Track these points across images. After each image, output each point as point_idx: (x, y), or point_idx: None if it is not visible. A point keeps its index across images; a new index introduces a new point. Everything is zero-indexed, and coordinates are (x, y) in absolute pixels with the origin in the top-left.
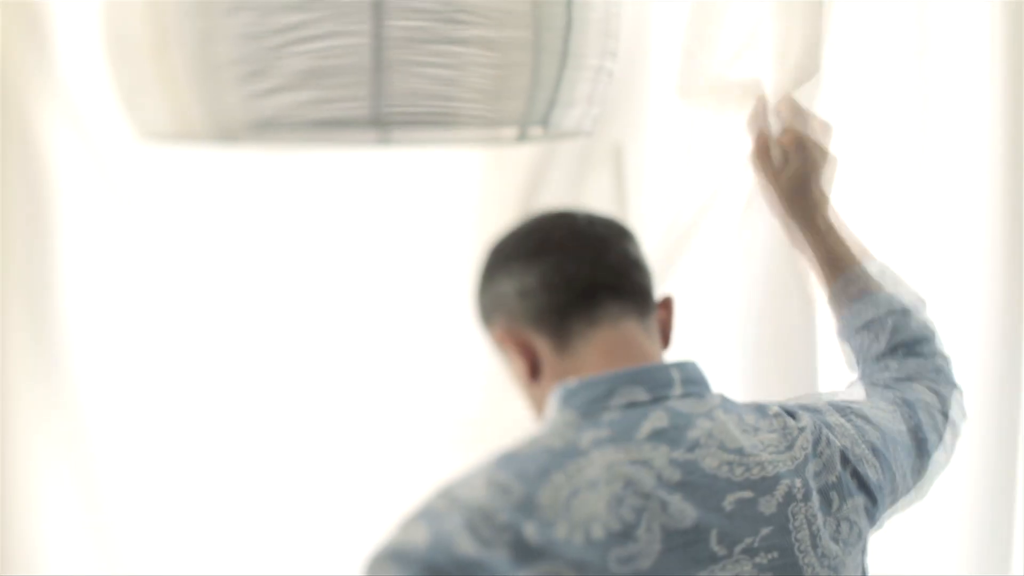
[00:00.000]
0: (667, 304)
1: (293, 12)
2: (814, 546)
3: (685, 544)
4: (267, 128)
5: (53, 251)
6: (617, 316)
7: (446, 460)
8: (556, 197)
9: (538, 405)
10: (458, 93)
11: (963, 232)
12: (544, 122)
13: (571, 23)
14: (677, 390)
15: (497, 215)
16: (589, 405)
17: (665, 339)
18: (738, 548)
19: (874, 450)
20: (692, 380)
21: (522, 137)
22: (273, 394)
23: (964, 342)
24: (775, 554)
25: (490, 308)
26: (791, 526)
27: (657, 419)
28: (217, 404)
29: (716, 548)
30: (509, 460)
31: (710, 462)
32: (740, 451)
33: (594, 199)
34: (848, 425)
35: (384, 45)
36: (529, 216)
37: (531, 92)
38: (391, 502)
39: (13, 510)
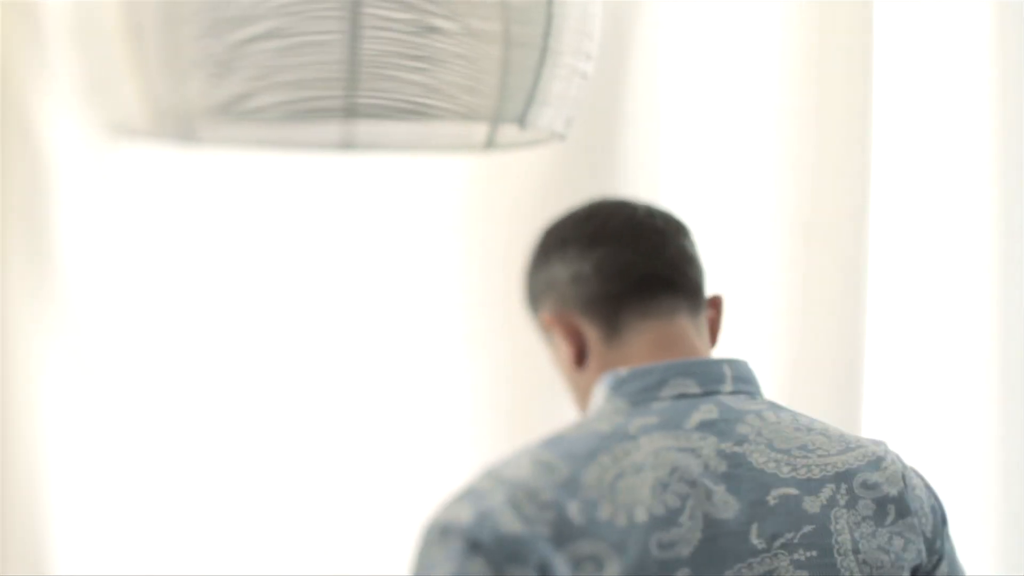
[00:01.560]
0: (716, 303)
1: (263, 4)
2: (855, 551)
3: (726, 534)
4: (234, 121)
5: (53, 250)
6: (670, 310)
7: (441, 460)
8: (545, 202)
9: (581, 392)
10: (434, 86)
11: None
12: (521, 120)
13: (551, 20)
14: (728, 386)
15: (484, 220)
16: (639, 394)
17: (713, 337)
18: (777, 543)
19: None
20: (743, 378)
21: (491, 141)
22: (265, 390)
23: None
24: (814, 552)
25: (540, 291)
26: (832, 528)
27: (707, 411)
28: (216, 404)
29: (755, 541)
30: (556, 442)
31: (757, 457)
32: (788, 451)
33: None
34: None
35: (360, 35)
36: (587, 202)
37: (510, 88)
38: (390, 502)
39: (13, 510)
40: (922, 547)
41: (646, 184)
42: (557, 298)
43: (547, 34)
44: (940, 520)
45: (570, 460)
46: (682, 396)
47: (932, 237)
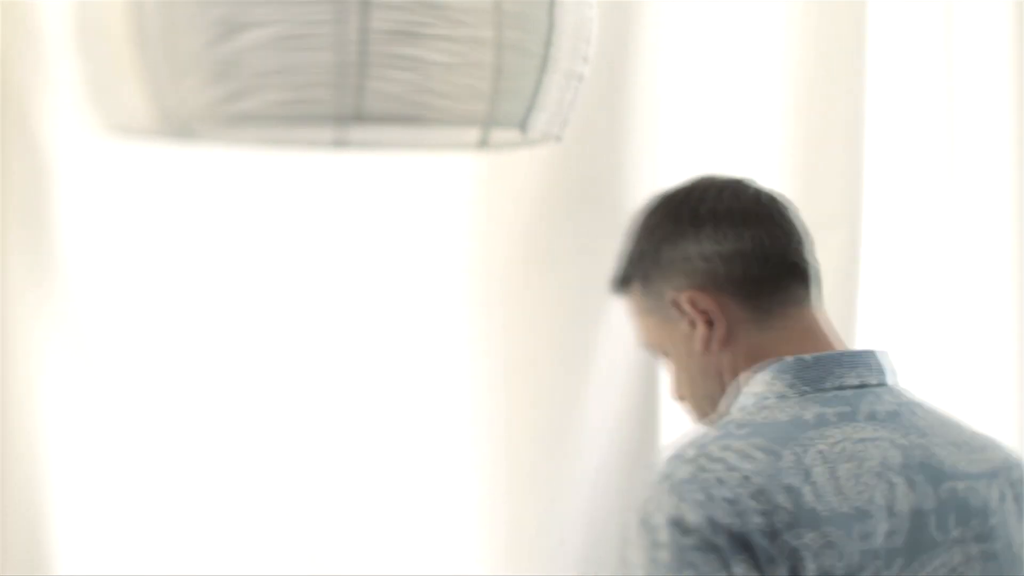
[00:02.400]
0: None
1: (261, 7)
2: (1014, 544)
3: (908, 528)
4: (230, 125)
5: (53, 248)
6: (809, 298)
7: (440, 459)
8: (545, 202)
9: (706, 375)
10: (434, 90)
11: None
12: (522, 125)
13: (552, 26)
14: (878, 377)
15: (484, 220)
16: (805, 383)
17: None
18: (951, 536)
19: None
20: (890, 370)
21: (484, 141)
22: (265, 388)
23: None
24: (983, 545)
25: (667, 266)
26: (1002, 520)
27: (872, 403)
28: (216, 402)
29: (934, 533)
30: (751, 431)
31: (938, 450)
32: (960, 444)
33: (589, 203)
34: None
35: (366, 39)
36: (701, 179)
37: (511, 93)
38: (389, 501)
39: (13, 509)
40: None
41: (646, 183)
42: (697, 275)
43: (548, 41)
44: None
45: (766, 450)
46: (843, 388)
47: (924, 238)
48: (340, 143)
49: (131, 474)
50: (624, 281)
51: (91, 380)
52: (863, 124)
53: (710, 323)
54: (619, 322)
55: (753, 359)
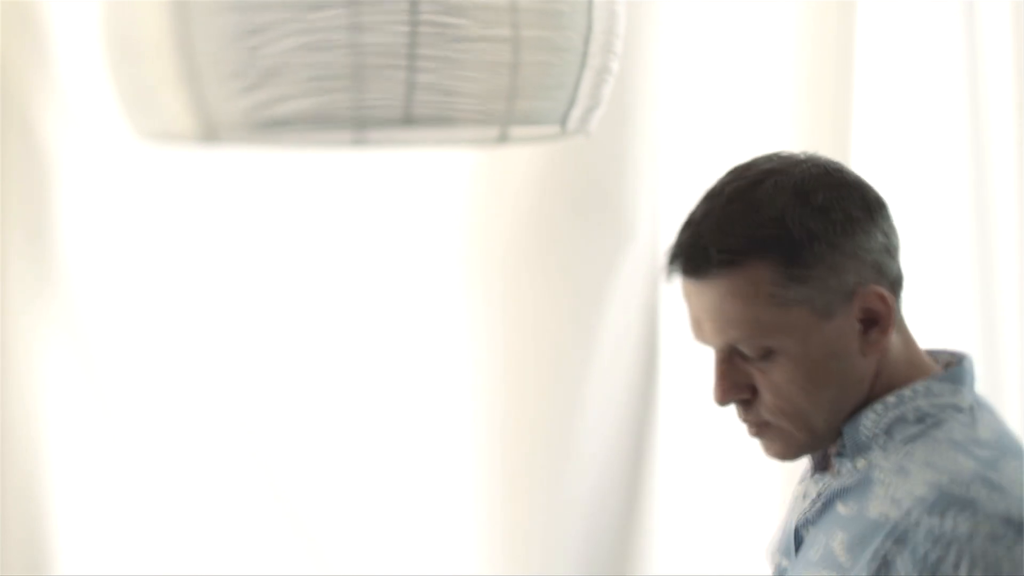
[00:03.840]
0: None
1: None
2: None
3: None
4: (257, 128)
5: (54, 249)
6: None
7: (440, 456)
8: (546, 200)
9: (851, 382)
10: (475, 92)
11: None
12: (563, 122)
13: (592, 24)
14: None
15: (486, 216)
16: (971, 389)
17: None
18: None
19: None
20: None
21: (505, 137)
22: (268, 390)
23: None
24: None
25: (848, 256)
26: None
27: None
28: (217, 403)
29: None
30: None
31: None
32: None
33: (589, 203)
34: None
35: (416, 41)
36: (822, 157)
37: (556, 92)
38: (389, 500)
39: (13, 509)
40: None
41: (648, 182)
42: (867, 270)
43: (587, 39)
44: None
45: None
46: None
47: (923, 238)
48: (360, 143)
49: (131, 474)
50: (738, 256)
51: (90, 380)
52: (851, 124)
53: (878, 322)
54: (619, 322)
55: (906, 365)
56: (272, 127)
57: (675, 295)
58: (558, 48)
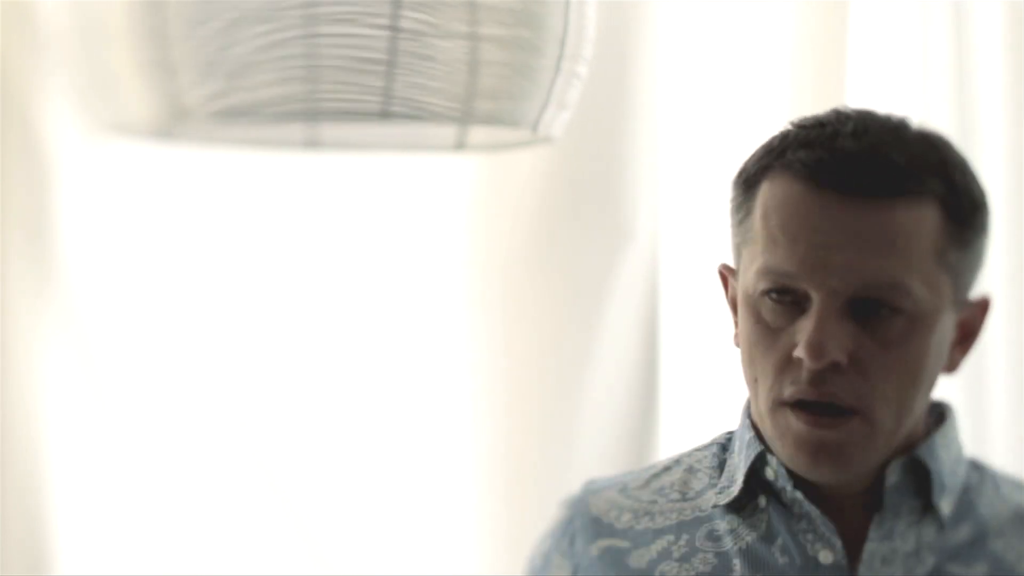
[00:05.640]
0: None
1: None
2: None
3: None
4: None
5: (53, 248)
6: None
7: (439, 458)
8: (545, 202)
9: (923, 395)
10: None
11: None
12: (535, 126)
13: (567, 26)
14: None
15: (485, 219)
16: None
17: None
18: None
19: None
20: None
21: (462, 142)
22: (265, 389)
23: None
24: None
25: (982, 249)
26: None
27: None
28: (216, 402)
29: None
30: None
31: None
32: None
33: (589, 203)
34: None
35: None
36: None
37: (525, 93)
38: (388, 500)
39: (13, 509)
40: None
41: (647, 182)
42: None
43: (563, 42)
44: None
45: None
46: None
47: None
48: (312, 143)
49: (131, 474)
50: (927, 182)
51: (90, 380)
52: None
53: (968, 338)
54: (619, 322)
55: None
56: (229, 118)
57: (675, 295)
58: (529, 48)
